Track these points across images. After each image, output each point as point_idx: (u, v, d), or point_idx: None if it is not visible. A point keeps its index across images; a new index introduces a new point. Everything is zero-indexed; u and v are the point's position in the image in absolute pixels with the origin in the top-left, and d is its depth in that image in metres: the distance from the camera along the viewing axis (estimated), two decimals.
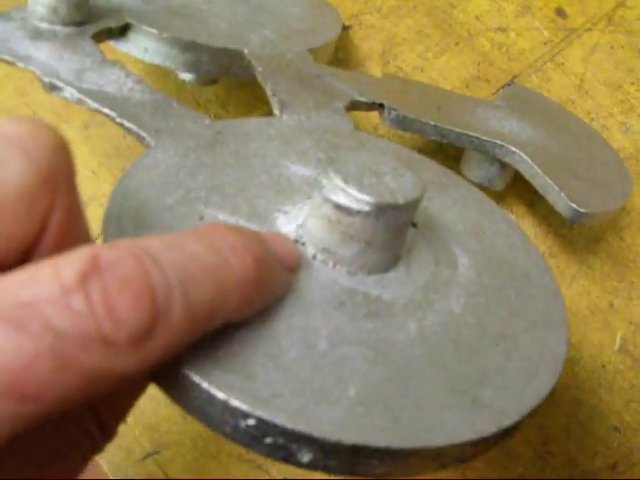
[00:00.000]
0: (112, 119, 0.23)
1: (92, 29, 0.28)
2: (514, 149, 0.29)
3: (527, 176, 0.29)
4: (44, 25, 0.27)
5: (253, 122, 0.25)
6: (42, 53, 0.25)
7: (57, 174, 0.15)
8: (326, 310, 0.18)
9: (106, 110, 0.23)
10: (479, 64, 0.36)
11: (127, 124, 0.23)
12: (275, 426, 0.15)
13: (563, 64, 0.36)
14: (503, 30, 0.36)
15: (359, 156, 0.20)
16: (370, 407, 0.16)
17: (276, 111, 0.27)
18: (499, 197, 0.33)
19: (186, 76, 0.33)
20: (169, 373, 0.16)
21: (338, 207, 0.19)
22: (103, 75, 0.25)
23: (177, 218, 0.20)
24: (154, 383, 0.17)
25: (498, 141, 0.29)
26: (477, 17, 0.37)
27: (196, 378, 0.16)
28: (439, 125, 0.29)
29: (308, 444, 0.16)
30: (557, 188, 0.27)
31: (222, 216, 0.20)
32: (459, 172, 0.32)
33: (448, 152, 0.34)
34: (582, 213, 0.27)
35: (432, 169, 0.26)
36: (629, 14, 0.36)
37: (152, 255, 0.15)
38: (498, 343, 0.19)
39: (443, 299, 0.20)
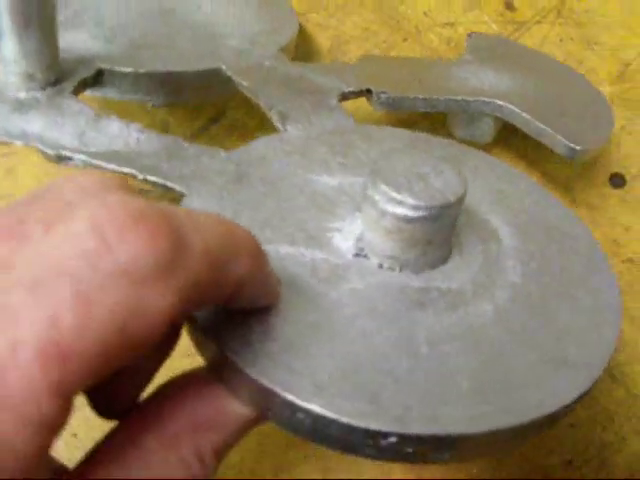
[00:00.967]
0: (134, 177, 0.23)
1: (69, 85, 0.27)
2: (501, 102, 0.30)
3: (519, 125, 0.30)
4: (22, 94, 0.26)
5: (263, 143, 0.25)
6: (34, 125, 0.25)
7: None
8: (411, 314, 0.20)
9: (126, 169, 0.23)
10: None
11: (151, 178, 0.23)
12: (415, 437, 0.17)
13: None
14: (452, 25, 0.36)
15: (397, 162, 0.21)
16: (484, 395, 0.18)
17: (278, 124, 0.27)
18: (489, 149, 0.34)
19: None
20: (296, 414, 0.17)
21: (397, 218, 0.20)
22: (104, 132, 0.25)
23: None
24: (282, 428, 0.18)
25: (484, 98, 0.30)
26: (425, 13, 0.37)
27: (330, 414, 0.17)
28: (427, 97, 0.30)
29: (446, 444, 0.17)
30: (552, 131, 0.29)
31: (283, 249, 0.21)
32: (448, 134, 0.33)
33: (432, 117, 0.35)
34: (579, 150, 0.28)
35: (439, 145, 0.27)
36: (578, 6, 0.37)
37: (165, 206, 0.15)
38: (561, 302, 0.21)
39: (502, 274, 0.21)
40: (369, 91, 0.30)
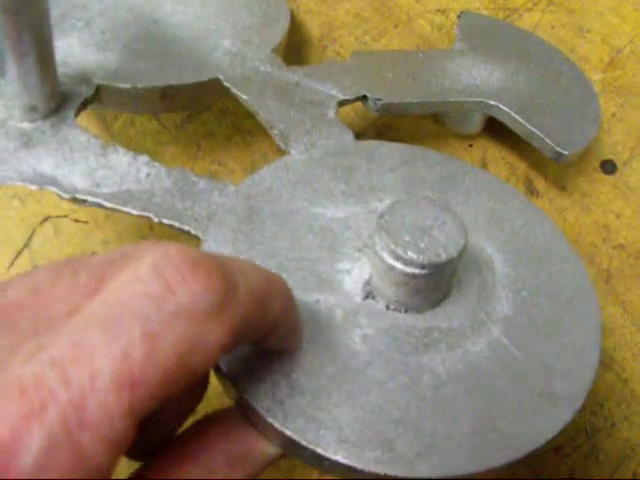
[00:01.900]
0: (151, 219, 0.24)
1: (71, 109, 0.27)
2: (492, 102, 0.31)
3: (510, 125, 0.31)
4: (25, 125, 0.26)
5: (269, 172, 0.26)
6: (45, 164, 0.25)
7: None
8: (417, 357, 0.22)
9: (144, 213, 0.24)
10: (419, 46, 0.36)
11: (167, 222, 0.24)
12: None
13: None
14: (443, 11, 0.36)
15: (402, 216, 0.22)
16: (483, 435, 0.21)
17: (280, 143, 0.28)
18: (479, 139, 0.35)
19: None
20: (322, 462, 0.20)
21: (404, 274, 0.21)
22: (113, 169, 0.26)
23: None
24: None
25: (477, 99, 0.31)
26: None
27: (352, 464, 0.19)
28: (421, 102, 0.30)
29: None
30: (541, 134, 0.30)
31: (298, 294, 0.22)
32: (440, 125, 0.34)
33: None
34: (566, 155, 0.30)
35: (436, 161, 0.28)
36: None
37: (212, 253, 0.17)
38: (549, 333, 0.23)
39: (497, 306, 0.24)
40: (365, 97, 0.30)
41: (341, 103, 0.30)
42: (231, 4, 0.33)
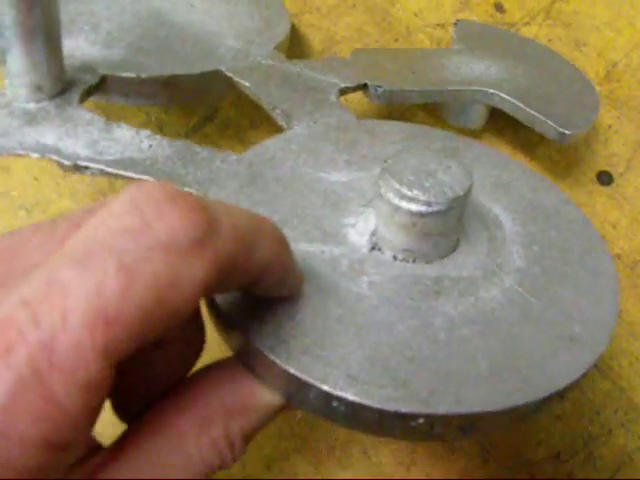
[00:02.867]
0: None
1: (75, 94, 0.28)
2: (492, 91, 0.31)
3: (510, 112, 0.31)
4: (31, 105, 0.27)
5: (272, 143, 0.26)
6: (48, 137, 0.26)
7: None
8: (427, 302, 0.21)
9: (144, 177, 0.24)
10: None
11: None
12: (441, 417, 0.18)
13: None
14: (442, 26, 0.37)
15: (406, 160, 0.22)
16: (502, 374, 0.19)
17: (282, 123, 0.28)
18: (479, 134, 0.36)
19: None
20: (331, 402, 0.18)
21: (411, 214, 0.21)
22: (116, 140, 0.26)
23: None
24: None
25: (476, 87, 0.31)
26: (416, 14, 0.37)
27: (363, 400, 0.18)
28: (421, 90, 0.31)
29: (470, 422, 0.19)
30: (542, 117, 0.30)
31: (302, 247, 0.22)
32: (442, 121, 0.35)
33: (426, 104, 0.36)
34: (569, 134, 0.30)
35: (438, 137, 0.28)
36: (566, 7, 0.38)
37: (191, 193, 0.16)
38: (564, 283, 0.23)
39: (507, 259, 0.23)
40: (365, 86, 0.31)
41: (342, 91, 0.30)
42: (234, 11, 0.34)
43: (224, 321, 0.20)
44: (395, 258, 0.22)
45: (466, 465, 0.30)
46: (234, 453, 0.19)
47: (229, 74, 0.30)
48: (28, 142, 0.25)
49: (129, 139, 0.26)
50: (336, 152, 0.26)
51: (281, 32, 0.33)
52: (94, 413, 0.15)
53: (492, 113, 0.34)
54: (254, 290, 0.19)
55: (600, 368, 0.32)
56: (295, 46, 0.37)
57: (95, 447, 0.18)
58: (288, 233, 0.22)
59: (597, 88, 0.37)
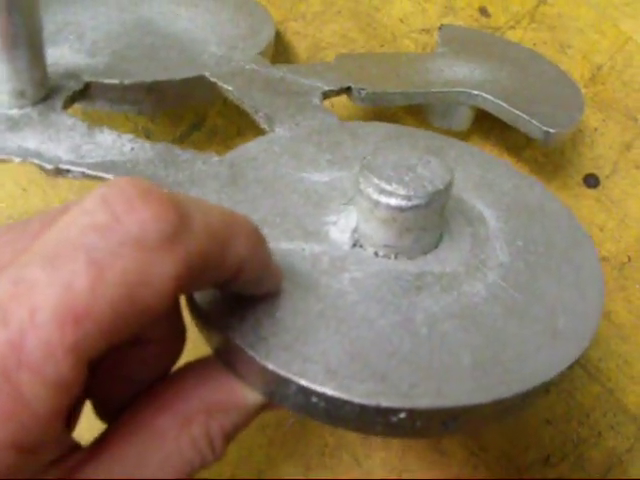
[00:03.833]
0: None
1: (59, 100, 0.28)
2: (476, 92, 0.31)
3: (495, 113, 0.31)
4: (14, 111, 0.27)
5: (254, 145, 0.26)
6: (30, 142, 0.26)
7: None
8: (409, 298, 0.21)
9: None
10: None
11: None
12: (423, 411, 0.18)
13: None
14: (427, 31, 0.37)
15: (385, 156, 0.22)
16: (485, 368, 0.19)
17: (264, 126, 0.28)
18: (465, 136, 0.36)
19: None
20: (311, 398, 0.18)
21: (391, 208, 0.21)
22: (98, 144, 0.26)
23: None
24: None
25: (459, 89, 0.31)
26: (401, 19, 0.38)
27: (343, 395, 0.18)
28: (405, 92, 0.31)
29: (452, 416, 0.18)
30: (527, 117, 0.30)
31: (283, 245, 0.22)
32: (427, 124, 0.35)
33: (411, 107, 0.36)
34: (554, 133, 0.30)
35: (422, 136, 0.28)
36: (550, 11, 0.38)
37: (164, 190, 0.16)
38: (548, 278, 0.22)
39: (491, 254, 0.23)
40: (349, 89, 0.31)
41: (325, 94, 0.30)
42: (219, 19, 0.35)
43: (204, 319, 0.20)
44: (377, 254, 0.22)
45: (457, 468, 0.30)
46: (215, 452, 0.19)
47: (213, 79, 0.30)
48: (10, 147, 0.25)
49: (111, 143, 0.26)
50: (318, 153, 0.26)
51: (265, 38, 0.33)
52: (65, 413, 0.15)
53: (479, 116, 0.34)
54: (231, 287, 0.19)
55: (589, 371, 0.32)
56: (280, 53, 0.37)
57: (73, 446, 0.17)
58: (269, 232, 0.22)
59: (583, 90, 0.37)
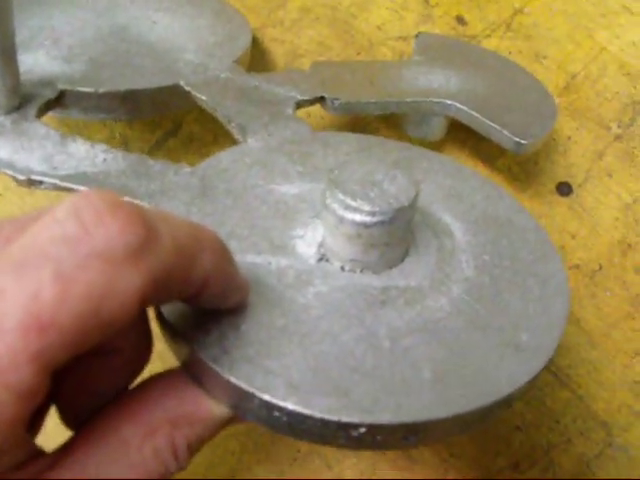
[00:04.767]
0: None
1: (32, 109, 0.28)
2: (449, 102, 0.32)
3: (467, 123, 0.32)
4: None
5: (226, 155, 0.26)
6: (2, 151, 0.26)
7: None
8: (373, 312, 0.21)
9: None
10: None
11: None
12: (383, 426, 0.18)
13: None
14: (404, 39, 0.38)
15: (352, 171, 0.22)
16: (446, 382, 0.19)
17: (238, 136, 0.28)
18: (441, 146, 0.36)
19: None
20: (273, 412, 0.19)
21: (356, 224, 0.21)
22: (71, 155, 0.26)
23: None
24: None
25: (433, 99, 0.32)
26: (378, 27, 0.38)
27: (304, 410, 0.18)
28: (379, 101, 0.31)
29: (412, 430, 0.19)
30: (499, 127, 0.30)
31: (249, 258, 0.22)
32: (402, 134, 0.35)
33: (386, 116, 0.36)
34: (525, 144, 0.30)
35: (393, 147, 0.28)
36: (526, 20, 0.39)
37: (133, 203, 0.16)
38: (513, 292, 0.23)
39: (456, 268, 0.23)
40: (323, 98, 0.31)
41: (299, 104, 0.31)
42: (195, 26, 0.35)
43: (171, 332, 0.20)
44: (343, 269, 0.22)
45: (428, 473, 0.30)
46: (178, 462, 0.19)
47: (187, 88, 0.30)
48: None
49: (84, 153, 0.26)
50: (289, 164, 0.26)
51: (241, 45, 0.33)
52: (27, 420, 0.15)
53: (454, 125, 0.34)
54: (197, 301, 0.19)
55: (559, 377, 0.33)
56: (257, 60, 0.37)
57: (36, 452, 0.18)
58: (236, 245, 0.22)
59: (557, 100, 0.37)
